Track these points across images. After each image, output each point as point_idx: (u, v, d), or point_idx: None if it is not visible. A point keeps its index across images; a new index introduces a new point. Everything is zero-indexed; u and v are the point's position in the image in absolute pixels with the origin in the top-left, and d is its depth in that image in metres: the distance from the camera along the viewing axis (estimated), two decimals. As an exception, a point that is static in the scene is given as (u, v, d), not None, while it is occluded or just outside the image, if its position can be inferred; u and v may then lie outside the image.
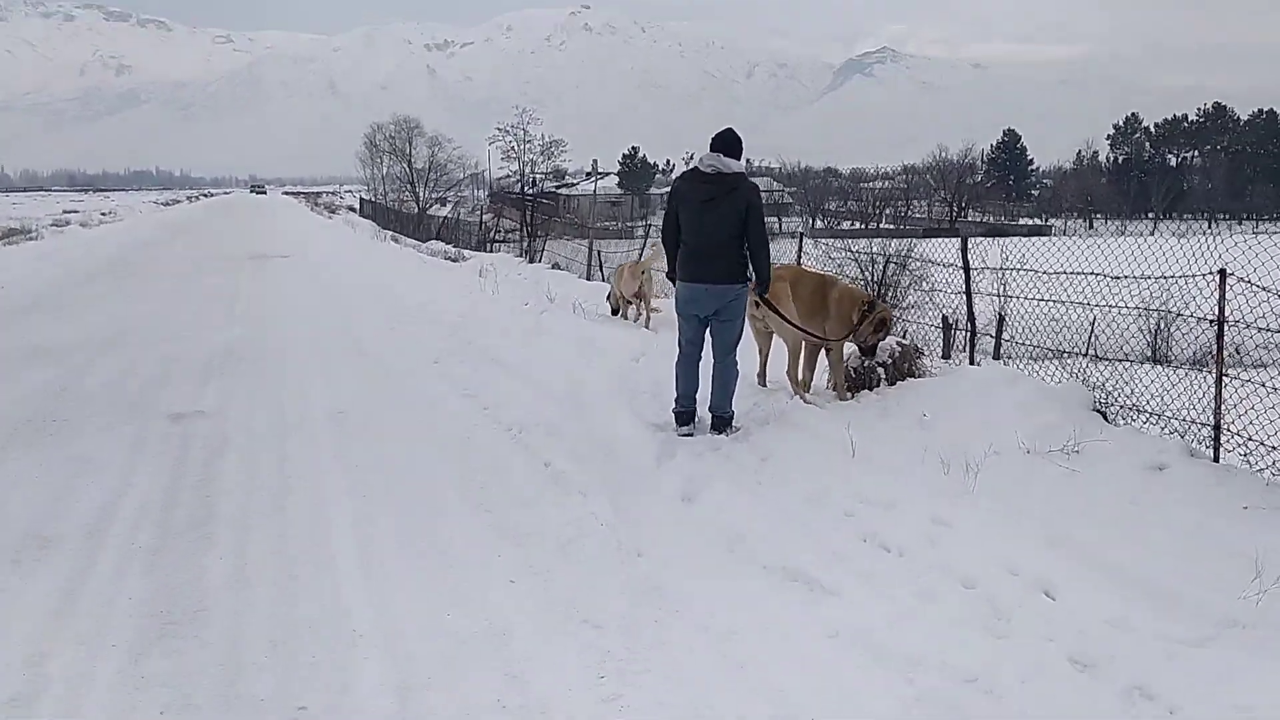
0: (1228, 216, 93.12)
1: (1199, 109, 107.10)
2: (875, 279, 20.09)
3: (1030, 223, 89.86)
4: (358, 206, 75.90)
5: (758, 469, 6.16)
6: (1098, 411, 7.18)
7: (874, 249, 20.00)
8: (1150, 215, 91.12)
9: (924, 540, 4.99)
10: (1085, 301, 8.05)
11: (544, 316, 12.73)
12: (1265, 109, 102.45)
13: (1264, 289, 6.64)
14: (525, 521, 5.44)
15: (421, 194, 70.95)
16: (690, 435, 6.97)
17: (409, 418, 7.77)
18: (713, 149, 6.80)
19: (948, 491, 5.55)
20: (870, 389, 8.14)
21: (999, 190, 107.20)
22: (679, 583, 4.60)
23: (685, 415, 7.03)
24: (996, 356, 8.98)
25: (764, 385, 8.15)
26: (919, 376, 8.14)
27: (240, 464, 6.60)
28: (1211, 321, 6.46)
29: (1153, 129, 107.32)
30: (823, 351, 8.17)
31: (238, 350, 10.87)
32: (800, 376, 7.98)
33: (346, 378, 9.35)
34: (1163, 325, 16.06)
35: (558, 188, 77.02)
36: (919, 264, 18.61)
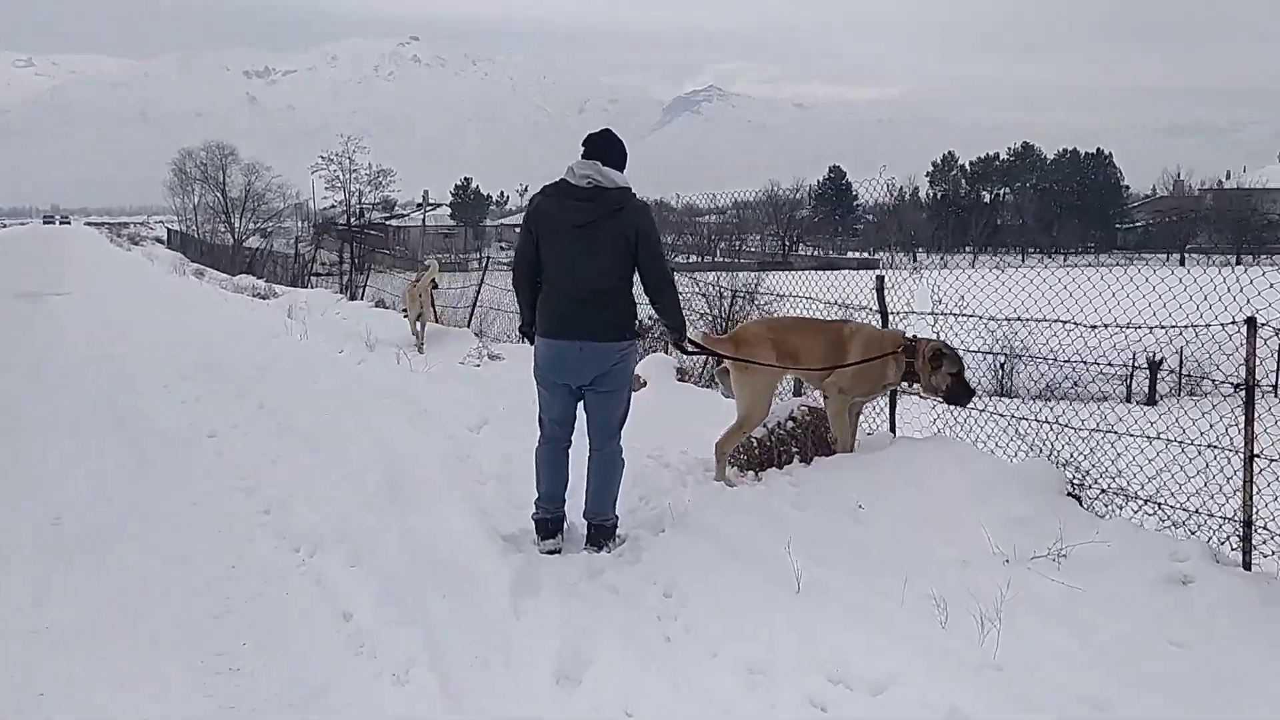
0: (1038, 250, 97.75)
1: (1009, 148, 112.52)
2: (722, 314, 19.12)
3: (858, 256, 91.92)
4: (165, 238, 70.69)
5: (662, 613, 4.23)
6: (1072, 496, 5.64)
7: (721, 282, 18.86)
8: (969, 249, 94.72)
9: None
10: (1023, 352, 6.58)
11: (362, 368, 10.52)
12: (1069, 148, 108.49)
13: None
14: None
15: (238, 225, 66.79)
16: (558, 551, 5.00)
17: (152, 532, 5.50)
18: (588, 155, 4.91)
19: (957, 659, 3.74)
20: (779, 467, 6.39)
21: (826, 225, 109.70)
22: None
23: (550, 524, 5.06)
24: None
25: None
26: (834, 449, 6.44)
27: None
28: (1236, 387, 4.97)
29: (968, 166, 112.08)
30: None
31: (-54, 421, 8.24)
32: (726, 452, 6.20)
33: (84, 463, 6.95)
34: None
35: (387, 218, 73.82)
36: (770, 297, 17.48)
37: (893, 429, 7.10)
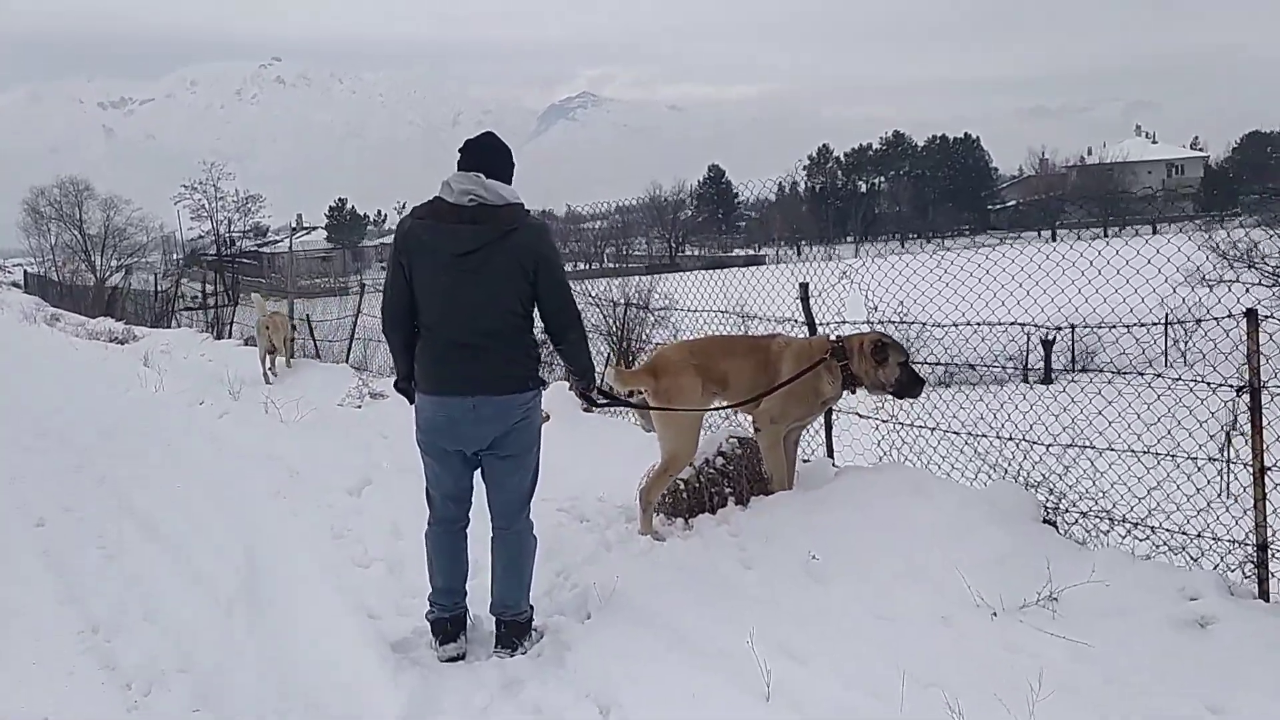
0: (916, 236, 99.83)
1: (881, 138, 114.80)
2: (617, 325, 18.42)
3: (745, 253, 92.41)
4: (22, 282, 66.74)
5: (602, 746, 3.33)
6: (1047, 523, 4.94)
7: (615, 293, 18.12)
8: (850, 239, 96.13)
9: None
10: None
11: (223, 422, 9.32)
12: (938, 135, 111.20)
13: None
14: None
15: (99, 263, 63.49)
16: (461, 658, 4.03)
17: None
18: (467, 165, 3.94)
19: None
20: (711, 511, 5.54)
21: (710, 224, 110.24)
22: None
23: (450, 624, 4.07)
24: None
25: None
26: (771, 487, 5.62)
27: None
28: (1239, 390, 4.30)
29: (843, 158, 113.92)
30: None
31: None
32: (652, 502, 5.34)
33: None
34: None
35: (259, 246, 71.06)
36: (665, 309, 16.77)
37: (830, 454, 6.32)
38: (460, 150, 4.02)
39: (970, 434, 5.47)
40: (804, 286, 6.33)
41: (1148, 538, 4.65)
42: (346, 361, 13.91)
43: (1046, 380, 23.97)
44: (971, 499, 4.81)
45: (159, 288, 30.15)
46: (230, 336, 19.10)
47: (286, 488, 6.69)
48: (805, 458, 6.25)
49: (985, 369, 7.39)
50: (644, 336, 17.19)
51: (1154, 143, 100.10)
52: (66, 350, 17.85)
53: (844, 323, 6.21)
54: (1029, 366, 26.06)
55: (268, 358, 12.76)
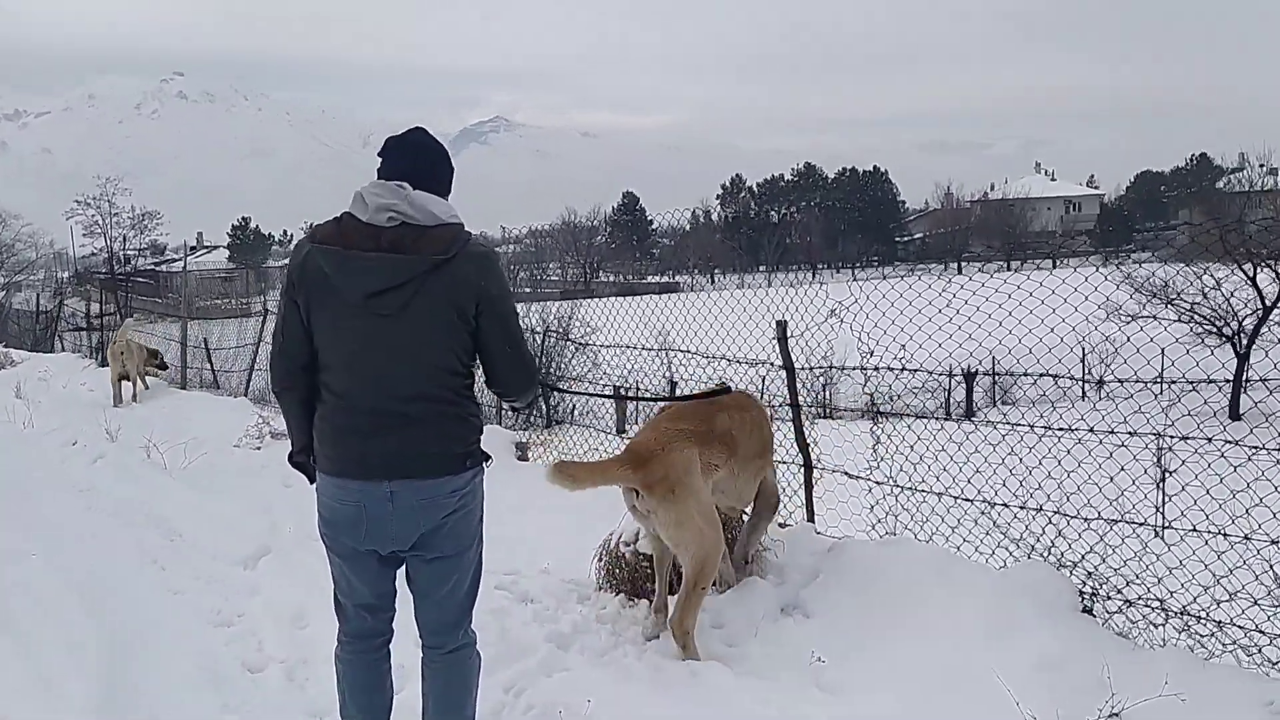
0: (827, 265, 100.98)
1: (792, 169, 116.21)
2: (538, 350, 17.66)
3: (659, 280, 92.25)
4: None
5: None
6: (1085, 612, 4.18)
7: (533, 319, 17.31)
8: (763, 269, 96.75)
9: None
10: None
11: (98, 470, 8.11)
12: (848, 167, 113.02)
13: None
14: None
15: (-15, 281, 60.17)
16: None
17: None
18: (388, 173, 2.97)
19: None
20: (671, 592, 4.64)
21: (625, 250, 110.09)
22: None
23: None
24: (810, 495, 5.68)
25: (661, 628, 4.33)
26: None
27: None
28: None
29: (755, 188, 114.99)
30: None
31: None
32: (691, 631, 4.08)
33: None
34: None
35: (156, 265, 68.23)
36: (585, 332, 16.01)
37: (811, 518, 5.50)
38: (381, 152, 3.03)
39: (985, 501, 4.68)
40: (782, 325, 5.51)
41: (1213, 635, 3.90)
42: (245, 395, 12.67)
43: (968, 414, 23.82)
44: (1005, 586, 4.02)
45: (41, 307, 28.11)
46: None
47: (165, 557, 5.59)
48: (782, 520, 5.42)
49: (905, 403, 6.83)
50: (564, 367, 16.38)
51: (1053, 180, 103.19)
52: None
53: (827, 366, 5.42)
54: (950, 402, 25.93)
55: (120, 383, 12.59)
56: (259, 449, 8.99)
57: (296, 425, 3.06)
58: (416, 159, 2.99)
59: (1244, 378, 19.95)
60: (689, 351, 6.38)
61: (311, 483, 3.10)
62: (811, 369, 5.46)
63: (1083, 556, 4.19)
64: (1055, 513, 4.33)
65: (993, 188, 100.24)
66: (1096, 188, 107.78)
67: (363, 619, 3.10)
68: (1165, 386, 5.04)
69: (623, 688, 3.63)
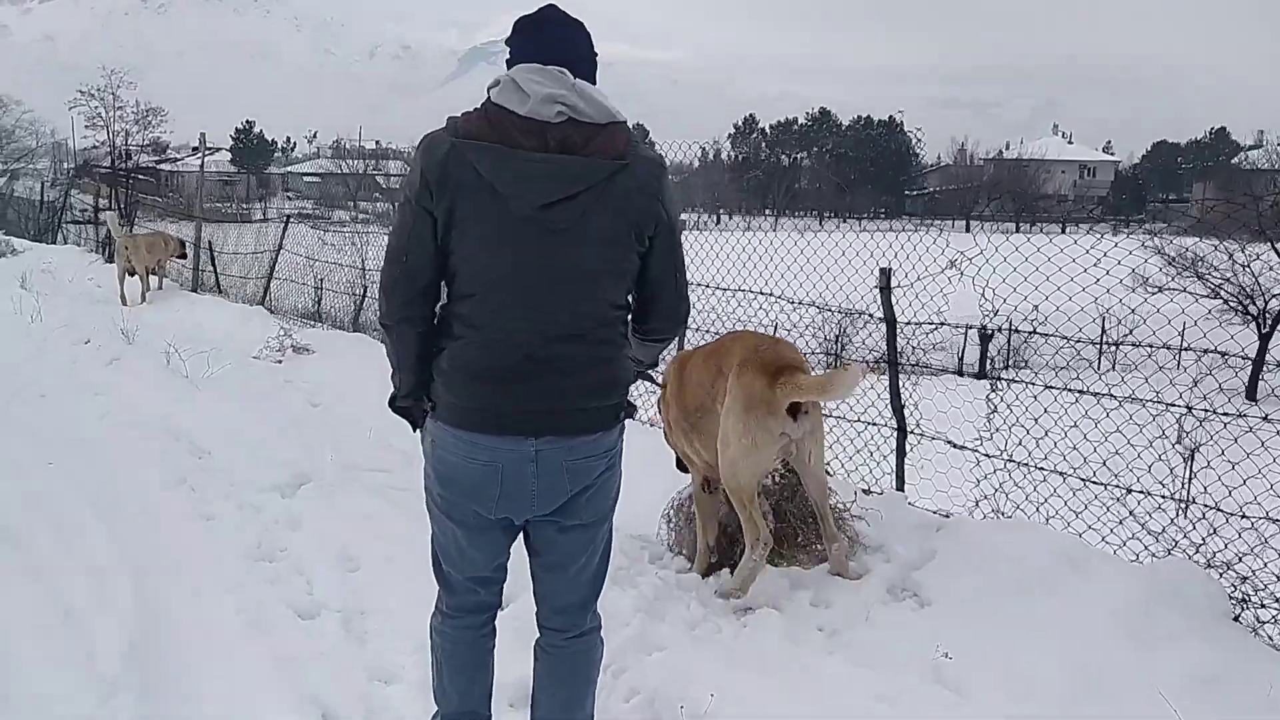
0: (834, 214, 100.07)
1: (807, 114, 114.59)
2: None
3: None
4: (-110, 177, 61.80)
5: None
6: (1235, 620, 3.77)
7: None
8: (769, 211, 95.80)
9: None
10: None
11: (113, 372, 7.64)
12: (863, 115, 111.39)
13: None
14: None
15: (-17, 166, 59.18)
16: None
17: None
18: (539, 54, 2.33)
19: None
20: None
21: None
22: None
23: None
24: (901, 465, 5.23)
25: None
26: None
27: None
28: None
29: (768, 130, 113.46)
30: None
31: None
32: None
33: None
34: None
35: (158, 163, 67.06)
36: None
37: (900, 486, 5.06)
38: (517, 32, 2.42)
39: (1120, 488, 4.22)
40: (886, 273, 5.02)
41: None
42: (262, 304, 12.15)
43: (981, 374, 23.43)
44: (1151, 586, 3.58)
45: (45, 197, 27.38)
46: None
47: (195, 476, 5.14)
48: (866, 486, 4.99)
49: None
50: None
51: (1070, 143, 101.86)
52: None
53: (943, 324, 4.96)
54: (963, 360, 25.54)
55: (125, 280, 12.43)
56: (280, 362, 8.55)
57: (409, 363, 2.48)
58: (574, 40, 2.41)
59: (1264, 359, 19.67)
60: (769, 294, 5.88)
61: (415, 429, 2.61)
62: (919, 324, 4.93)
63: (1239, 558, 3.76)
64: (1211, 509, 3.88)
65: (1008, 146, 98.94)
66: (1112, 154, 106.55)
67: (473, 593, 2.62)
68: (1197, 357, 4.64)
69: (734, 676, 3.20)
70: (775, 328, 6.31)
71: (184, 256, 13.64)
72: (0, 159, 60.82)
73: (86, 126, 58.25)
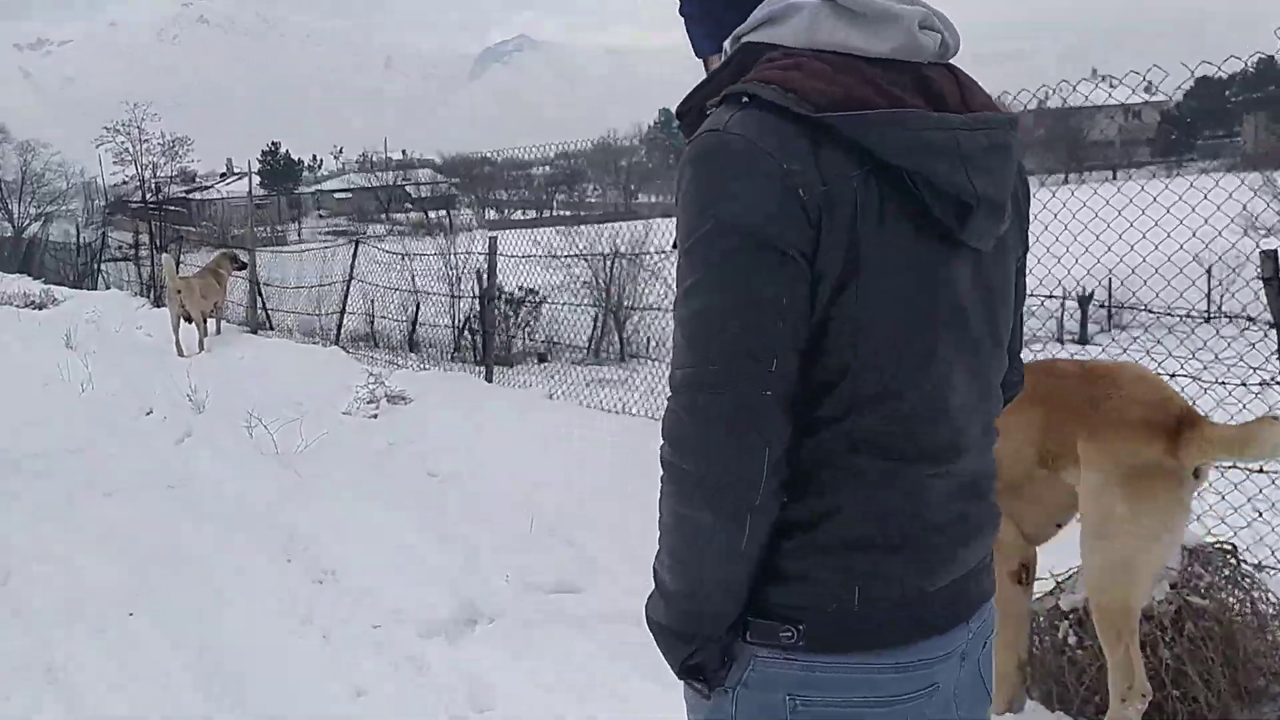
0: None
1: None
2: (605, 279, 16.27)
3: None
4: (-67, 235, 62.24)
5: None
6: None
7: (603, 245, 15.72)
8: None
9: None
10: None
11: (184, 453, 6.35)
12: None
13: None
14: None
15: (16, 211, 59.18)
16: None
17: None
18: None
19: None
20: None
21: (663, 171, 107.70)
22: None
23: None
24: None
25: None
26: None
27: None
28: None
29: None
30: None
31: None
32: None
33: None
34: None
35: (188, 192, 66.83)
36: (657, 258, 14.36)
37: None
38: None
39: None
40: (1273, 255, 3.56)
41: None
42: (336, 342, 10.86)
43: (1082, 340, 21.79)
44: None
45: (81, 240, 26.45)
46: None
47: (319, 611, 3.80)
48: (1257, 559, 3.53)
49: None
50: (636, 295, 14.81)
51: (1112, 86, 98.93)
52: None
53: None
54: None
55: (180, 327, 10.93)
56: (374, 417, 7.25)
57: (740, 577, 1.18)
58: None
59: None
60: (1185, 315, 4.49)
61: (709, 693, 1.22)
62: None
63: None
64: None
65: (1049, 95, 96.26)
66: (1155, 95, 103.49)
67: None
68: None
69: None
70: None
71: (243, 267, 12.40)
72: (34, 204, 60.93)
73: (115, 162, 58.02)
